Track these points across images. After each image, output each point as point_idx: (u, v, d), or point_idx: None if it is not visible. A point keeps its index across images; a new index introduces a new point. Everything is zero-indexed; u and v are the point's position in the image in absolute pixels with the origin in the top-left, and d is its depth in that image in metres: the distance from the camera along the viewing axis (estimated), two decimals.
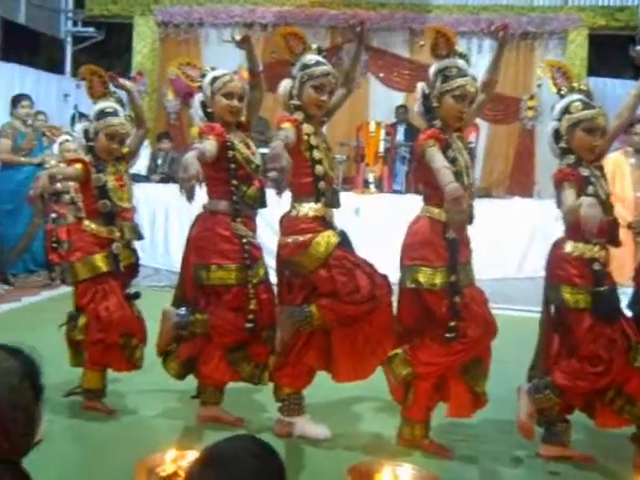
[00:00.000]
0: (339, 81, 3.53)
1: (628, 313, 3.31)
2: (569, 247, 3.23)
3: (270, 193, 3.41)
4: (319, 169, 3.37)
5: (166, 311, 3.61)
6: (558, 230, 3.40)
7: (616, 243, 3.30)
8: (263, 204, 3.58)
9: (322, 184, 3.38)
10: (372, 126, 8.47)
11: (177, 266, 3.85)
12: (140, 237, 4.05)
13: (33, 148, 7.17)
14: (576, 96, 3.32)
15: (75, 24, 11.35)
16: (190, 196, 2.94)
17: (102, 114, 3.76)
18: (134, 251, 3.94)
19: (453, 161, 3.23)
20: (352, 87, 3.68)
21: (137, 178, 6.57)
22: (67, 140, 6.73)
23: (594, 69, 9.87)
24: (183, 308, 3.58)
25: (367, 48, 8.87)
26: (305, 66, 3.42)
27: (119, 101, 3.89)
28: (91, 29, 11.21)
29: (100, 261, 3.72)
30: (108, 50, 11.86)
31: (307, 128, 3.38)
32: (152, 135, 8.70)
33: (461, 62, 3.35)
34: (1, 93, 8.59)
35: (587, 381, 3.19)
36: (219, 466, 1.32)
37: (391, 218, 6.41)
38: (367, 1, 10.15)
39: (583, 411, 3.38)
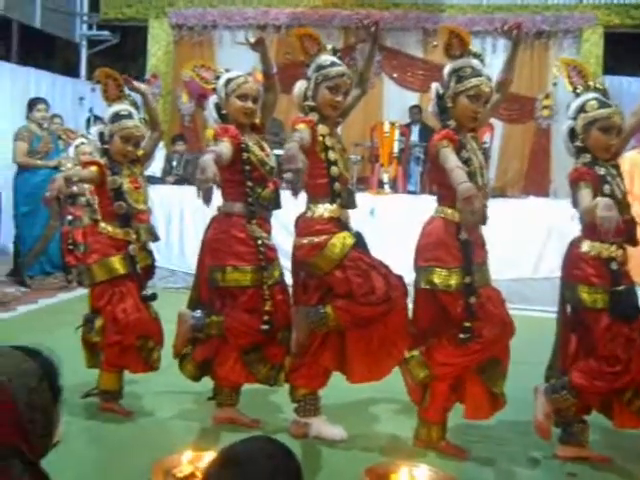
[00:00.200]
0: (353, 82, 3.53)
1: None
2: (586, 246, 3.21)
3: (285, 194, 3.42)
4: (334, 170, 3.37)
5: (182, 314, 3.62)
6: (574, 229, 3.38)
7: (634, 242, 3.28)
8: (278, 206, 3.58)
9: (337, 185, 3.38)
10: (386, 126, 8.47)
11: (192, 267, 3.86)
12: (156, 239, 4.07)
13: (49, 151, 7.21)
14: (592, 95, 3.30)
15: (90, 27, 11.44)
16: (207, 199, 2.94)
17: (117, 117, 3.78)
18: (150, 253, 3.96)
19: (467, 161, 3.22)
20: (366, 87, 3.68)
21: (152, 180, 6.60)
22: (83, 143, 6.77)
23: (609, 67, 9.81)
24: (199, 311, 3.59)
25: (381, 48, 8.87)
26: (320, 67, 3.41)
27: (134, 104, 3.91)
28: (106, 32, 11.30)
29: (117, 263, 3.74)
30: (123, 53, 11.95)
31: (322, 129, 3.38)
32: (167, 137, 8.75)
33: (475, 62, 3.33)
34: (17, 97, 8.66)
35: (605, 381, 3.17)
36: (236, 467, 1.32)
37: (406, 219, 6.39)
38: (380, 1, 10.14)
39: (601, 412, 3.36)
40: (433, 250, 3.27)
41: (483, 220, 3.28)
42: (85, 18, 11.39)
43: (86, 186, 5.94)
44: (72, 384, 3.58)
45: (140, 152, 3.89)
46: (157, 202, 6.61)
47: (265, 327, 3.46)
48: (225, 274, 3.45)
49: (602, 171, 3.20)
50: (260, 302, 3.46)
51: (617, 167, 3.32)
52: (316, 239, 3.33)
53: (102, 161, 3.79)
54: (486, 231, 3.37)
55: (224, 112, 3.57)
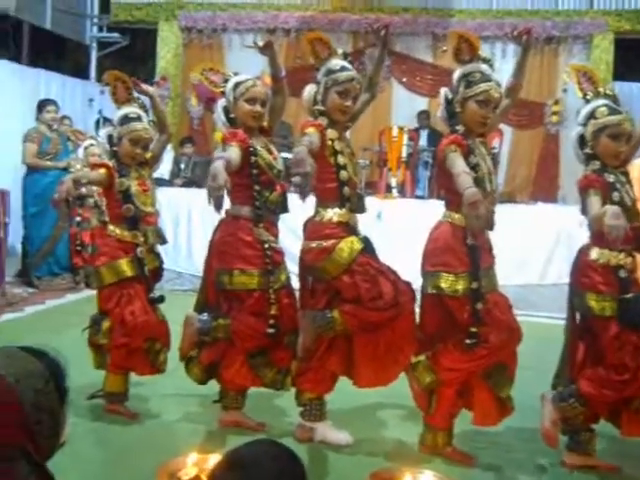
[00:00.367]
0: (363, 86, 3.53)
1: None
2: (594, 254, 3.20)
3: (292, 198, 3.42)
4: (343, 174, 3.37)
5: (189, 317, 3.62)
6: (582, 236, 3.36)
7: None
8: (285, 209, 3.58)
9: (346, 189, 3.37)
10: (395, 131, 8.47)
11: (200, 270, 3.86)
12: (164, 241, 4.07)
13: (58, 152, 7.24)
14: (602, 101, 3.29)
15: (100, 29, 11.50)
16: (219, 206, 2.95)
17: (126, 119, 3.79)
18: (158, 255, 3.97)
19: (475, 167, 3.21)
20: (376, 92, 3.67)
21: (160, 182, 6.62)
22: (92, 144, 6.79)
23: (619, 73, 9.78)
24: (205, 314, 3.59)
25: (390, 53, 8.88)
26: (330, 71, 3.41)
27: (142, 107, 3.92)
28: (116, 34, 11.36)
29: (125, 265, 3.74)
30: (132, 55, 11.99)
31: (331, 133, 3.37)
32: (175, 140, 8.78)
33: (485, 67, 3.32)
34: (27, 98, 8.70)
35: (613, 390, 3.15)
36: (241, 470, 1.32)
37: (413, 223, 6.38)
38: (390, 6, 10.15)
39: (609, 420, 3.33)
40: (440, 255, 3.26)
41: (490, 225, 3.27)
42: (95, 20, 11.45)
43: (94, 188, 5.96)
44: (78, 385, 3.59)
45: (148, 155, 3.90)
46: (165, 204, 6.61)
47: (271, 331, 3.45)
48: (232, 277, 3.45)
49: (611, 178, 3.19)
50: (266, 306, 3.46)
51: (626, 174, 3.30)
52: (324, 243, 3.32)
53: (110, 163, 3.80)
54: (494, 236, 3.37)
55: (232, 115, 3.57)
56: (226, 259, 3.47)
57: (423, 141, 9.13)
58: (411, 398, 3.47)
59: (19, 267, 7.38)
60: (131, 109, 3.83)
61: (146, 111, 3.92)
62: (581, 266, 3.25)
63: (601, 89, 3.36)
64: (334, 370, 3.46)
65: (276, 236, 3.58)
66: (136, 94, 3.91)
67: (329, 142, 3.35)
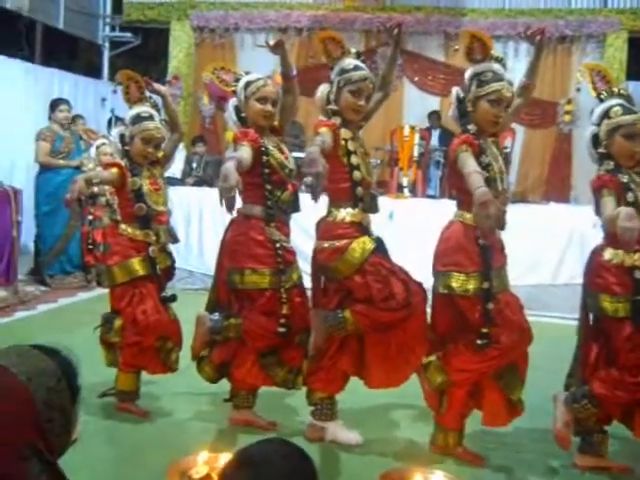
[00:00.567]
0: (376, 85, 3.52)
1: None
2: (608, 254, 3.18)
3: (304, 198, 3.41)
4: (357, 174, 3.36)
5: (200, 316, 3.62)
6: (595, 236, 3.34)
7: None
8: (296, 209, 3.58)
9: (360, 189, 3.37)
10: (406, 130, 8.43)
11: (211, 269, 3.86)
12: (176, 240, 4.08)
13: (71, 151, 7.27)
14: (616, 101, 3.27)
15: (113, 29, 11.53)
16: (230, 206, 2.95)
17: (138, 118, 3.79)
18: (170, 254, 3.97)
19: (487, 166, 3.20)
20: (389, 91, 3.66)
21: (172, 181, 6.62)
22: (104, 144, 6.83)
23: (633, 72, 9.71)
24: (217, 313, 3.59)
25: (402, 52, 8.83)
26: (343, 71, 3.40)
27: (154, 106, 3.92)
28: (128, 34, 11.38)
29: (137, 265, 3.75)
30: (145, 55, 12.02)
31: (345, 133, 3.37)
32: (187, 139, 8.79)
33: (497, 66, 3.31)
34: (40, 97, 8.74)
35: (626, 391, 3.13)
36: (252, 468, 1.32)
37: (425, 223, 6.36)
38: (402, 5, 10.12)
39: (621, 421, 3.32)
40: (452, 255, 3.25)
41: (501, 225, 3.25)
42: (108, 20, 11.48)
43: (106, 187, 5.98)
44: (90, 383, 3.60)
45: (160, 154, 3.90)
46: (176, 203, 6.64)
47: (282, 330, 3.45)
48: (244, 276, 3.46)
49: (625, 178, 3.17)
50: (278, 305, 3.46)
51: None
52: (337, 243, 3.32)
53: (122, 163, 3.81)
54: (506, 236, 3.35)
55: (243, 115, 3.57)
56: (238, 258, 3.48)
57: (435, 140, 9.10)
58: (422, 398, 3.46)
59: (32, 265, 7.41)
60: (143, 108, 3.84)
61: (158, 110, 3.93)
62: (594, 267, 3.23)
63: (615, 89, 3.34)
64: (345, 370, 3.46)
65: (288, 235, 3.58)
66: (148, 93, 3.92)
67: (342, 142, 3.34)
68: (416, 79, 10.06)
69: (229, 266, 3.52)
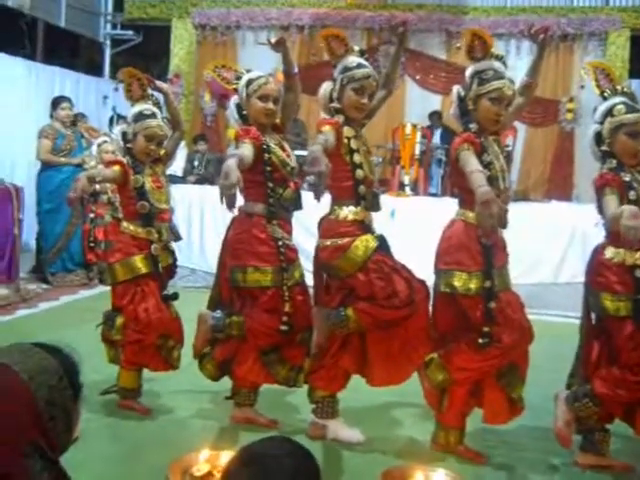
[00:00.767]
0: (379, 83, 3.51)
1: None
2: (610, 253, 3.17)
3: (306, 195, 3.41)
4: (359, 173, 3.36)
5: (202, 314, 3.62)
6: (597, 234, 3.34)
7: None
8: (299, 206, 3.58)
9: (362, 188, 3.37)
10: (408, 128, 8.43)
11: (213, 267, 3.87)
12: (178, 238, 4.09)
13: (73, 149, 7.27)
14: (619, 99, 3.26)
15: (114, 27, 11.53)
16: (231, 204, 2.93)
17: (140, 116, 3.79)
18: (172, 252, 3.97)
19: (488, 165, 3.19)
20: (392, 88, 3.66)
21: (173, 179, 6.62)
22: (105, 141, 6.82)
23: (635, 71, 9.69)
24: (219, 311, 3.59)
25: (404, 50, 8.84)
26: (346, 69, 3.40)
27: (156, 104, 3.92)
28: (129, 32, 11.39)
29: (139, 262, 3.75)
30: (146, 53, 12.02)
31: (347, 131, 3.36)
32: (188, 137, 8.79)
33: (498, 64, 3.30)
34: (42, 95, 8.75)
35: (628, 390, 3.13)
36: (257, 465, 1.32)
37: (426, 221, 6.36)
38: (404, 3, 10.11)
39: (623, 420, 3.31)
40: (454, 253, 3.25)
41: (503, 224, 3.25)
42: (109, 18, 11.49)
43: (108, 184, 5.98)
44: (92, 381, 3.62)
45: (162, 151, 3.90)
46: (178, 201, 6.64)
47: (284, 328, 3.45)
48: (246, 274, 3.46)
49: (628, 177, 3.16)
50: (280, 303, 3.46)
51: None
52: (340, 241, 3.32)
53: (124, 160, 3.81)
54: (507, 235, 3.35)
55: (245, 113, 3.57)
56: (240, 256, 3.48)
57: (436, 139, 9.09)
58: (423, 396, 3.46)
59: (33, 263, 7.42)
60: (145, 106, 3.83)
61: (160, 108, 3.93)
62: (596, 265, 3.23)
63: (619, 87, 3.33)
64: (347, 368, 3.46)
65: (290, 233, 3.58)
66: (150, 91, 3.92)
67: (345, 140, 3.34)
68: (418, 77, 10.05)
69: (231, 264, 3.52)
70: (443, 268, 3.28)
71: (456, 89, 3.37)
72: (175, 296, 3.87)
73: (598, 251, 3.25)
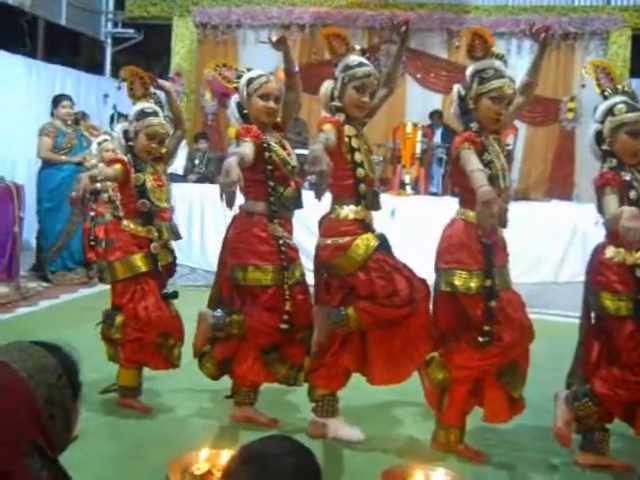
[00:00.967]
0: (380, 81, 3.51)
1: None
2: (610, 252, 3.17)
3: (306, 194, 3.40)
4: (360, 172, 3.35)
5: (202, 313, 3.62)
6: (598, 234, 3.34)
7: None
8: (299, 205, 3.58)
9: (363, 187, 3.36)
10: (409, 127, 8.42)
11: (213, 265, 3.86)
12: (178, 237, 4.08)
13: (73, 147, 7.26)
14: (620, 98, 3.26)
15: (115, 25, 11.53)
16: (230, 202, 2.93)
17: (142, 114, 3.79)
18: (172, 251, 3.97)
19: (489, 164, 3.19)
20: (394, 87, 3.66)
21: (174, 178, 6.61)
22: (106, 140, 6.82)
23: (637, 70, 9.68)
24: (219, 310, 3.59)
25: (405, 49, 8.84)
26: (347, 67, 3.40)
27: (158, 102, 3.92)
28: (130, 30, 11.38)
29: (139, 261, 3.75)
30: (147, 51, 12.01)
31: (348, 130, 3.36)
32: (189, 135, 8.78)
33: (498, 63, 3.30)
34: (43, 93, 8.74)
35: (628, 390, 3.13)
36: (257, 463, 1.32)
37: (427, 220, 6.36)
38: (405, 2, 10.10)
39: (623, 419, 3.31)
40: (454, 252, 3.25)
41: (503, 223, 3.25)
42: (110, 16, 11.48)
43: (109, 183, 5.97)
44: (91, 380, 3.62)
45: (163, 150, 3.90)
46: (178, 200, 6.63)
47: (284, 326, 3.45)
48: (246, 273, 3.45)
49: (628, 176, 3.16)
50: (280, 301, 3.46)
51: None
52: (340, 240, 3.32)
53: (126, 158, 3.81)
54: (508, 234, 3.35)
55: (246, 111, 3.57)
56: (240, 255, 3.47)
57: (437, 138, 9.08)
58: (423, 395, 3.46)
59: (34, 261, 7.42)
60: (147, 104, 3.83)
61: (162, 107, 3.93)
62: (596, 265, 3.23)
63: (619, 86, 3.33)
64: (347, 367, 3.46)
65: (290, 232, 3.58)
66: (153, 89, 3.91)
67: (346, 139, 3.33)
68: (419, 76, 10.04)
69: (232, 263, 3.51)
70: (444, 267, 3.28)
71: (457, 88, 3.37)
72: (175, 295, 3.87)
73: (598, 250, 3.25)
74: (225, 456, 2.19)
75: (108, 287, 4.05)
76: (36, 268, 7.33)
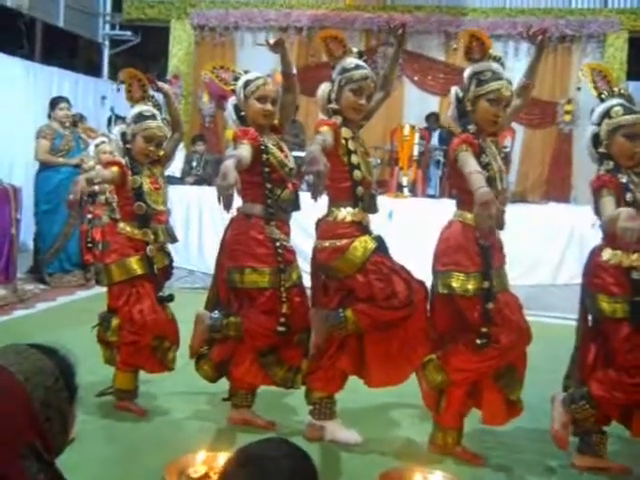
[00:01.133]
0: (377, 84, 3.51)
1: None
2: (607, 255, 3.17)
3: (304, 196, 3.40)
4: (357, 174, 3.35)
5: (199, 314, 3.62)
6: (595, 236, 3.34)
7: None
8: (297, 207, 3.58)
9: (360, 189, 3.36)
10: (406, 130, 8.44)
11: (211, 268, 3.86)
12: (174, 240, 4.07)
13: (71, 149, 7.26)
14: (617, 100, 3.26)
15: (113, 27, 11.54)
16: (228, 205, 2.92)
17: (140, 117, 3.79)
18: (168, 254, 3.97)
19: (487, 166, 3.19)
20: (390, 90, 3.66)
21: (171, 180, 6.62)
22: (103, 142, 6.82)
23: (633, 72, 9.71)
24: (216, 311, 3.59)
25: (402, 51, 8.85)
26: (344, 70, 3.40)
27: (156, 105, 3.92)
28: (128, 32, 11.40)
29: (135, 264, 3.74)
30: (144, 53, 12.03)
31: (345, 132, 3.36)
32: (187, 138, 8.80)
33: (496, 65, 3.31)
34: (40, 95, 8.73)
35: (625, 392, 3.13)
36: (253, 466, 1.32)
37: (425, 222, 6.36)
38: (403, 4, 10.12)
39: (620, 422, 3.31)
40: (452, 254, 3.25)
41: (500, 225, 3.25)
42: (108, 18, 11.49)
43: (106, 185, 5.97)
44: (88, 382, 3.59)
45: (161, 153, 3.90)
46: (176, 202, 6.63)
47: (281, 329, 3.45)
48: (244, 275, 3.45)
49: (625, 179, 3.16)
50: (277, 304, 3.45)
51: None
52: (338, 242, 3.32)
53: (123, 161, 3.80)
54: (505, 236, 3.35)
55: (243, 114, 3.57)
56: (238, 257, 3.47)
57: (435, 140, 9.10)
58: (421, 398, 3.45)
59: (31, 264, 7.41)
60: (145, 107, 3.83)
61: (160, 109, 3.93)
62: (593, 267, 3.23)
63: (616, 88, 3.34)
64: (345, 369, 3.46)
65: (288, 234, 3.57)
66: (151, 92, 3.91)
67: (343, 141, 3.33)
68: (416, 78, 10.07)
69: (229, 265, 3.51)
70: (441, 269, 3.28)
71: (454, 90, 3.37)
72: (171, 298, 3.87)
73: (595, 253, 3.25)
74: (222, 459, 2.20)
75: (105, 289, 4.04)
76: (33, 270, 7.33)
